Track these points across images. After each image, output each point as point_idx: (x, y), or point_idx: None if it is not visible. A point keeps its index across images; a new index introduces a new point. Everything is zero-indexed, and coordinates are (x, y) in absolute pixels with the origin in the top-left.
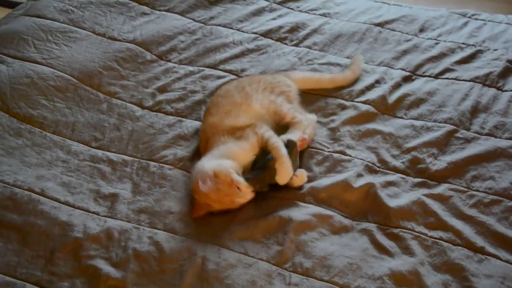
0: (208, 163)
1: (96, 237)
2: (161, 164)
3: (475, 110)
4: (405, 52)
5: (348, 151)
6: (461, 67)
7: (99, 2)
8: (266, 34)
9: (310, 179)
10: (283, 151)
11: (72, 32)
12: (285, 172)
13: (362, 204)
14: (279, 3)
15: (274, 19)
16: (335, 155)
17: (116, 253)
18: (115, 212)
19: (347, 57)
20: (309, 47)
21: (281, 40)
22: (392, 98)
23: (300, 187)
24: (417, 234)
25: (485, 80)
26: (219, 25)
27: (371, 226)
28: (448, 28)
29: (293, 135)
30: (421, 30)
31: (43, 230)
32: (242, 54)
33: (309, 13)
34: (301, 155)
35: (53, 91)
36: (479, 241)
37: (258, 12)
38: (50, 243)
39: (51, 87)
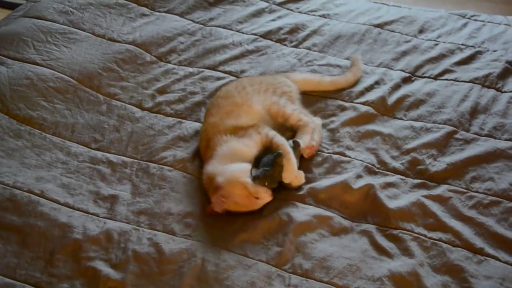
0: (221, 176)
1: (96, 239)
2: (160, 166)
3: (475, 111)
4: (404, 53)
5: (348, 152)
6: (461, 68)
7: (98, 4)
8: (266, 35)
9: (309, 180)
10: (289, 148)
11: (72, 34)
12: (292, 168)
13: (361, 205)
14: (278, 4)
15: (273, 20)
16: (335, 156)
17: (116, 255)
18: (114, 213)
19: (347, 58)
20: (308, 48)
21: (280, 41)
22: (391, 99)
23: (299, 188)
24: (417, 235)
25: (484, 81)
26: (219, 26)
27: (371, 227)
28: (447, 29)
29: (301, 141)
30: (421, 31)
31: (43, 231)
32: (241, 55)
33: (308, 14)
34: (300, 156)
35: (53, 92)
36: (479, 242)
37: (258, 14)
38: (49, 244)
39: (50, 89)
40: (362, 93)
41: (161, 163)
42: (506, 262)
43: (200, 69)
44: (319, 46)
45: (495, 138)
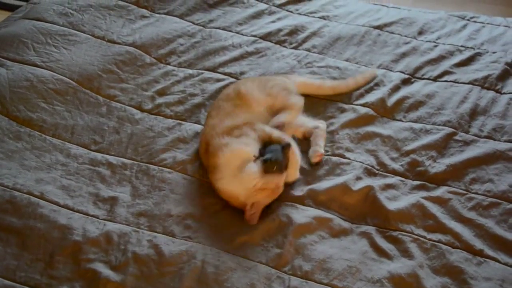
0: (240, 195)
1: (96, 241)
2: (160, 167)
3: (474, 113)
4: (404, 55)
5: (347, 154)
6: (460, 69)
7: (98, 5)
8: (265, 37)
9: (309, 182)
10: (293, 142)
11: (72, 35)
12: (296, 164)
13: (361, 207)
14: (278, 6)
15: (273, 22)
16: (334, 158)
17: (116, 257)
18: (114, 215)
19: (346, 60)
20: (308, 50)
21: (280, 43)
22: (391, 101)
23: (298, 190)
24: (416, 237)
25: (483, 83)
26: (218, 28)
27: (370, 229)
28: (447, 30)
29: (311, 149)
30: (420, 32)
31: (43, 233)
32: (241, 57)
33: (308, 16)
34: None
35: (53, 94)
36: (478, 243)
37: (257, 15)
38: (49, 246)
39: (50, 90)
40: (361, 95)
41: (161, 165)
42: (505, 264)
43: (200, 71)
44: (319, 48)
45: (494, 139)
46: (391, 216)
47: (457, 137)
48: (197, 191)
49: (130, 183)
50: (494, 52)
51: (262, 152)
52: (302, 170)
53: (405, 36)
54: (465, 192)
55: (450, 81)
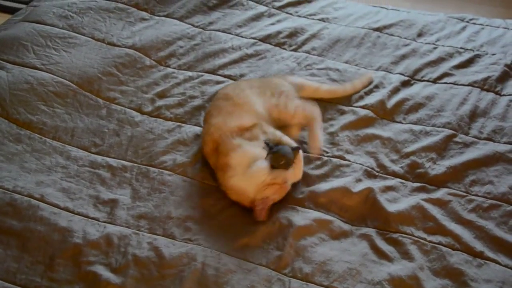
0: (249, 191)
1: (96, 243)
2: (160, 170)
3: (474, 115)
4: (403, 57)
5: (347, 156)
6: (460, 71)
7: (98, 8)
8: (265, 39)
9: (309, 184)
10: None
11: (72, 38)
12: (301, 167)
13: (361, 209)
14: (277, 8)
15: (272, 24)
16: (334, 160)
17: (116, 259)
18: (114, 218)
19: (346, 62)
20: (307, 52)
21: (280, 45)
22: (390, 103)
23: (298, 192)
24: (416, 238)
25: (483, 85)
26: (218, 30)
27: (371, 231)
28: (446, 32)
29: (312, 142)
30: (419, 34)
31: (43, 236)
32: (241, 59)
33: (307, 18)
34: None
35: (53, 96)
36: (478, 245)
37: (257, 17)
38: (49, 249)
39: (50, 93)
40: (361, 97)
41: (161, 167)
42: (506, 266)
43: (200, 73)
44: (318, 50)
45: (494, 141)
46: (391, 218)
47: (457, 139)
48: (197, 193)
49: (130, 186)
50: (493, 54)
51: (271, 147)
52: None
53: (405, 38)
54: (465, 194)
55: (450, 83)
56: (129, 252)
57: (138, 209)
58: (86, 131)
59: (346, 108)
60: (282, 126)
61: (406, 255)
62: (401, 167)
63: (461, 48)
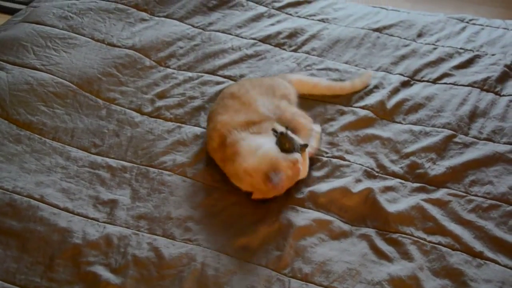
0: (263, 164)
1: (96, 243)
2: (160, 170)
3: (473, 115)
4: (403, 57)
5: (347, 156)
6: (459, 72)
7: (98, 9)
8: (265, 39)
9: (309, 184)
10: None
11: (71, 39)
12: (307, 166)
13: (361, 209)
14: (277, 9)
15: (272, 24)
16: (334, 160)
17: (116, 259)
18: (114, 218)
19: (346, 62)
20: (307, 52)
21: (279, 45)
22: (390, 103)
23: (298, 192)
24: (416, 239)
25: (483, 85)
26: (218, 31)
27: (370, 231)
28: (446, 33)
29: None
30: (419, 35)
31: (43, 236)
32: (241, 60)
33: (307, 18)
34: None
35: (53, 97)
36: (478, 246)
37: (257, 18)
38: (49, 249)
39: (50, 94)
40: (361, 97)
41: (161, 167)
42: (505, 266)
43: (200, 74)
44: (318, 51)
45: (494, 141)
46: (391, 218)
47: (456, 139)
48: (197, 194)
49: (130, 186)
50: (493, 54)
51: (280, 132)
52: None
53: (405, 38)
54: (464, 194)
55: (450, 84)
56: (129, 253)
57: (137, 209)
58: (86, 131)
59: (346, 109)
60: None
61: (406, 255)
62: (401, 167)
63: (461, 48)
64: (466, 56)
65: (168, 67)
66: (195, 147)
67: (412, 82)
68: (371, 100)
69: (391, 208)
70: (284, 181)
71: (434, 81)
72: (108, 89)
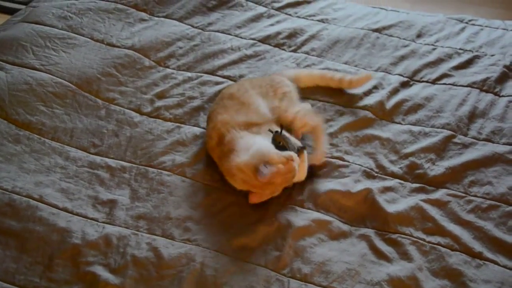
0: (253, 158)
1: (95, 243)
2: (159, 170)
3: (473, 116)
4: (402, 58)
5: (346, 157)
6: (459, 72)
7: (97, 9)
8: (264, 40)
9: (308, 185)
10: (304, 151)
11: (71, 39)
12: (305, 169)
13: (360, 210)
14: (277, 9)
15: (272, 25)
16: (333, 160)
17: (115, 259)
18: (113, 218)
19: (345, 63)
20: (307, 53)
21: (279, 46)
22: (389, 104)
23: (298, 192)
24: (415, 239)
25: (482, 86)
26: (217, 31)
27: (369, 232)
28: (445, 33)
29: (319, 151)
30: (419, 35)
31: (42, 236)
32: (240, 60)
33: (307, 19)
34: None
35: (52, 97)
36: (477, 246)
37: (256, 18)
38: (48, 249)
39: (49, 94)
40: (360, 98)
41: (160, 167)
42: (504, 266)
43: (199, 74)
44: (318, 51)
45: (493, 142)
46: (390, 218)
47: (456, 140)
48: (196, 194)
49: (129, 186)
50: (492, 55)
51: (275, 131)
52: None
53: (404, 39)
54: (464, 194)
55: (449, 84)
56: (128, 253)
57: (137, 209)
58: (85, 131)
59: (345, 109)
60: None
61: (405, 256)
62: (400, 167)
63: (460, 49)
64: (465, 57)
65: (168, 67)
66: (194, 147)
67: (411, 83)
68: (370, 100)
69: (391, 208)
70: (275, 176)
71: (434, 82)
72: (108, 89)
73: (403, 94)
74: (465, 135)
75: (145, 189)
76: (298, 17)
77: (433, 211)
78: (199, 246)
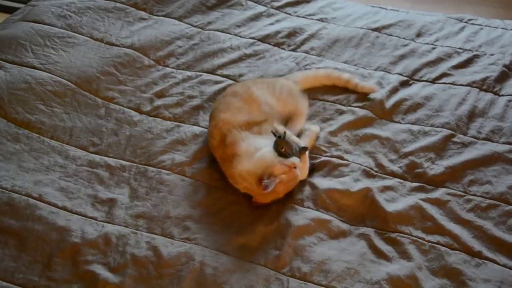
0: (257, 167)
1: (94, 242)
2: (158, 169)
3: (472, 115)
4: (402, 57)
5: (346, 156)
6: (458, 72)
7: (97, 8)
8: (264, 39)
9: (308, 184)
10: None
11: (70, 38)
12: (306, 169)
13: (359, 209)
14: (276, 8)
15: (271, 24)
16: (333, 159)
17: (114, 258)
18: (113, 217)
19: (345, 62)
20: (306, 52)
21: (278, 45)
22: (389, 103)
23: (297, 192)
24: (415, 238)
25: (481, 85)
26: (217, 30)
27: (369, 231)
28: (445, 33)
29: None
30: (418, 35)
31: (41, 235)
32: (239, 59)
33: (306, 18)
34: None
35: (51, 96)
36: (477, 245)
37: (256, 17)
38: (47, 248)
39: (49, 92)
40: (360, 97)
41: (159, 166)
42: (504, 265)
43: (198, 73)
44: (317, 50)
45: (492, 141)
46: (390, 217)
47: (455, 139)
48: (195, 193)
49: (128, 185)
50: (492, 54)
51: (278, 136)
52: None
53: (403, 38)
54: (463, 193)
55: (448, 83)
56: (127, 252)
57: (136, 208)
58: (85, 130)
59: (345, 108)
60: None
61: (405, 255)
62: (400, 167)
63: (459, 48)
64: (465, 56)
65: (167, 66)
66: (194, 146)
67: (411, 82)
68: (370, 99)
69: (390, 207)
70: (278, 186)
71: (433, 81)
72: (107, 88)
73: (402, 93)
74: (465, 134)
75: (144, 188)
76: (298, 16)
77: (433, 210)
78: (199, 245)
